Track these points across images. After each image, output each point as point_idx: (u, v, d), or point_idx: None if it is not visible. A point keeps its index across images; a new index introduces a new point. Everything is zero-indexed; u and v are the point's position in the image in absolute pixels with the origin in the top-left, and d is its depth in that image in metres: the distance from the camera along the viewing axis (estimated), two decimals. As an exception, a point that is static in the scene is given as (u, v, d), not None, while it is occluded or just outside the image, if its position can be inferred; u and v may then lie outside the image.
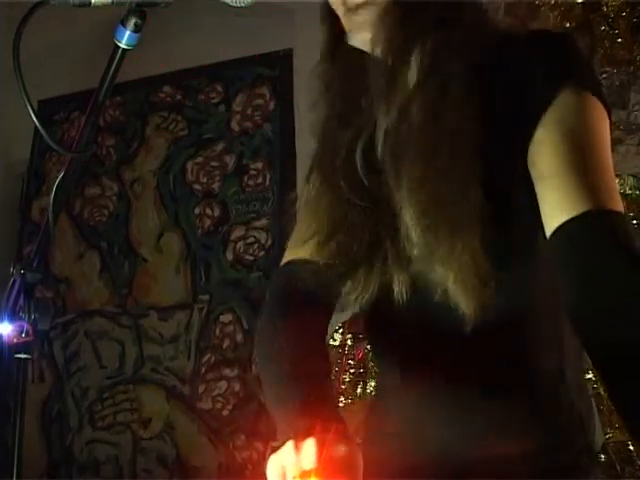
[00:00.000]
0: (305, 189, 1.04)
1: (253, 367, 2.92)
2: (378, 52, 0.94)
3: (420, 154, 0.88)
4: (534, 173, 0.88)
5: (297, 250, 1.08)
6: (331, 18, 0.97)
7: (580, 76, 0.91)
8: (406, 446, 0.98)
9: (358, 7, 0.92)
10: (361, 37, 0.94)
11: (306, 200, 1.04)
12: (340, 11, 0.95)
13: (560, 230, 0.84)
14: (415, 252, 0.90)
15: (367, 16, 0.92)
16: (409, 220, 0.89)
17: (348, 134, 0.97)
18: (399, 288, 0.94)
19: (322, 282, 1.01)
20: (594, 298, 0.82)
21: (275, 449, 0.79)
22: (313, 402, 0.86)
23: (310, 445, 0.76)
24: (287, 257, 1.13)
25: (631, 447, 1.59)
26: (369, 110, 0.96)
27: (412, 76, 0.91)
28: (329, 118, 1.00)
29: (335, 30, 0.97)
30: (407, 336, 0.98)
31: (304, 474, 0.75)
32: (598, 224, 0.83)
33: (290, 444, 0.78)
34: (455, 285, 0.87)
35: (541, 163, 0.87)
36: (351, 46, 0.97)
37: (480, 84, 0.88)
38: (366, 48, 0.96)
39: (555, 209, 0.85)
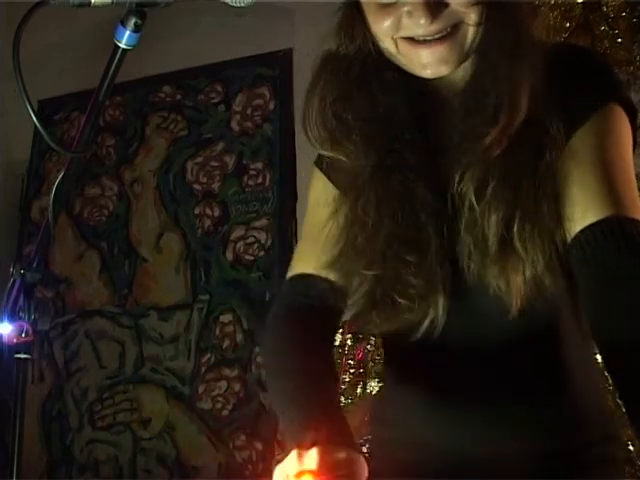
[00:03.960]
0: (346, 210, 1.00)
1: (253, 367, 2.92)
2: (454, 87, 0.97)
3: (505, 177, 0.91)
4: (561, 175, 0.91)
5: (315, 262, 1.04)
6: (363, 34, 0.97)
7: (614, 91, 0.96)
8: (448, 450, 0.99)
9: (432, 43, 0.91)
10: (432, 72, 0.93)
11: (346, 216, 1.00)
12: (403, 46, 0.93)
13: (583, 233, 0.87)
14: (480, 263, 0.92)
15: (443, 52, 0.91)
16: (491, 230, 0.90)
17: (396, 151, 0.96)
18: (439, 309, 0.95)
19: (333, 300, 1.01)
20: (611, 299, 0.84)
21: (279, 461, 0.81)
22: (318, 416, 0.87)
23: (312, 452, 0.78)
24: (302, 268, 1.07)
25: (631, 447, 1.59)
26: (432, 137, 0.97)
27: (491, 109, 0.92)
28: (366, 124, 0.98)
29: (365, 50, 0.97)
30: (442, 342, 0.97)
31: (300, 473, 0.77)
32: (620, 228, 0.86)
33: (294, 453, 0.79)
34: (510, 291, 0.90)
35: (571, 168, 0.91)
36: (389, 66, 0.96)
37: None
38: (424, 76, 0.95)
39: (580, 213, 0.89)
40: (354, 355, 2.13)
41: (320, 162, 1.09)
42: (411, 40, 0.91)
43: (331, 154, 1.00)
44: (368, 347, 2.12)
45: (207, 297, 3.08)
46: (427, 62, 0.92)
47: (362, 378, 2.11)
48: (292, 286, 1.07)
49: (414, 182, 0.95)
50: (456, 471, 0.97)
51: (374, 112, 0.97)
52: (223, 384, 2.96)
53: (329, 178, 1.07)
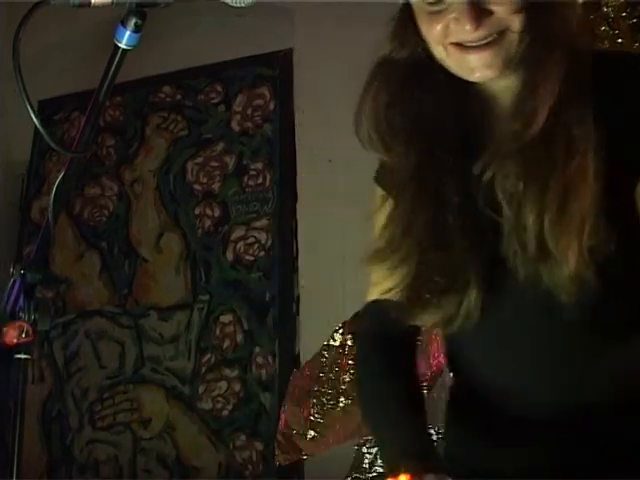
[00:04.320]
0: (391, 209, 1.08)
1: (253, 367, 2.92)
2: (504, 91, 1.01)
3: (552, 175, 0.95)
4: None
5: (385, 281, 1.10)
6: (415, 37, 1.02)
7: None
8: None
9: (478, 48, 0.96)
10: (480, 75, 0.98)
11: (396, 223, 1.06)
12: (452, 51, 0.98)
13: None
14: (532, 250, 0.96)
15: (489, 58, 0.96)
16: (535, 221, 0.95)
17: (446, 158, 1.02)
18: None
19: (408, 320, 1.08)
20: None
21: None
22: (414, 442, 1.04)
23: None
24: (377, 291, 1.15)
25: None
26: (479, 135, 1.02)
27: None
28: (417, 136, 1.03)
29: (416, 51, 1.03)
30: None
31: None
32: None
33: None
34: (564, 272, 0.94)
35: None
36: (438, 70, 1.01)
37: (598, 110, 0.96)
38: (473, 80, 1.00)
39: None
40: (354, 355, 2.13)
41: (376, 176, 1.16)
42: (459, 45, 0.97)
43: (380, 154, 1.08)
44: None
45: (207, 297, 3.08)
46: (474, 66, 0.97)
47: (362, 378, 2.11)
48: (369, 315, 1.20)
49: (447, 184, 1.00)
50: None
51: (420, 114, 1.03)
52: (223, 384, 2.97)
53: (379, 184, 1.14)
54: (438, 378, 2.00)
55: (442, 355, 1.96)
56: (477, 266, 0.99)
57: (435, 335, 1.96)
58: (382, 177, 1.13)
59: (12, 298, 1.08)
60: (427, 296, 1.01)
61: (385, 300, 1.09)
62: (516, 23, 0.94)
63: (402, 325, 1.08)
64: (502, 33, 0.95)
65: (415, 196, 1.02)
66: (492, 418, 1.06)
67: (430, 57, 1.01)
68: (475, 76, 0.98)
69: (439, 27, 0.97)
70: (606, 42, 1.88)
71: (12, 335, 1.07)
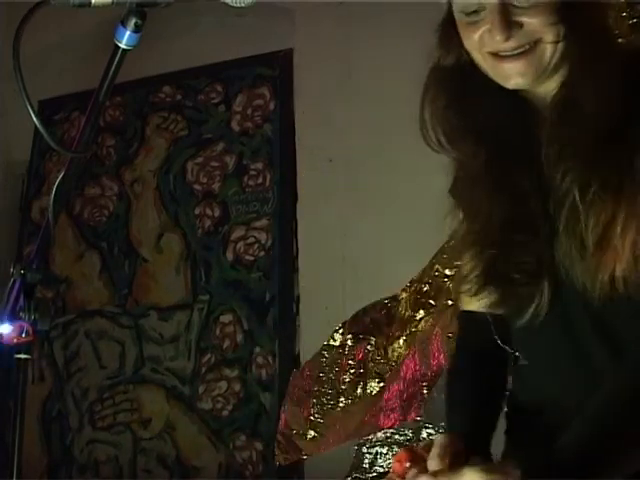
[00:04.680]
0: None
1: (253, 367, 2.92)
2: (549, 98, 1.05)
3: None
4: None
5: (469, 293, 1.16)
6: (459, 48, 1.07)
7: None
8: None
9: (512, 58, 1.01)
10: (515, 82, 1.03)
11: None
12: (488, 59, 1.03)
13: None
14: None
15: (522, 67, 1.01)
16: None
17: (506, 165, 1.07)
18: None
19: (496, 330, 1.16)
20: None
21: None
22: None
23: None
24: (465, 303, 1.24)
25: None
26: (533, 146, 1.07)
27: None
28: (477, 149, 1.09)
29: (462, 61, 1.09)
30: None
31: None
32: None
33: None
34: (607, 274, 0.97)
35: None
36: (483, 74, 1.06)
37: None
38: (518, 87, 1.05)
39: None
40: (354, 355, 2.13)
41: (451, 189, 1.20)
42: (495, 55, 1.02)
43: (449, 154, 1.13)
44: (368, 347, 2.12)
45: (207, 297, 3.08)
46: (508, 74, 1.02)
47: (362, 378, 2.11)
48: (463, 326, 1.28)
49: (520, 175, 1.06)
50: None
51: (480, 115, 1.08)
52: (223, 384, 2.96)
53: (454, 197, 1.18)
54: (438, 378, 2.00)
55: (442, 355, 1.96)
56: (548, 262, 1.03)
57: (435, 335, 1.96)
58: (455, 190, 1.18)
59: (12, 298, 1.09)
60: (514, 275, 1.05)
61: (476, 312, 1.16)
62: (549, 34, 0.99)
63: (493, 339, 1.15)
64: (535, 43, 0.99)
65: (492, 189, 1.07)
66: (548, 423, 1.08)
67: (473, 63, 1.07)
68: (510, 83, 1.03)
69: (476, 37, 1.02)
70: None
71: (12, 335, 1.07)
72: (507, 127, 1.07)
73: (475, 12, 1.01)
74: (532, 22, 0.98)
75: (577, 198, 0.99)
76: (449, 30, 1.08)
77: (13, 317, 1.08)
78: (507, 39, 0.98)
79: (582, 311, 1.03)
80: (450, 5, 1.06)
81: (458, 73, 1.09)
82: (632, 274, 0.95)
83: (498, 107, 1.08)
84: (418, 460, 0.99)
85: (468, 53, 1.07)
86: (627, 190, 0.96)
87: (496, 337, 1.16)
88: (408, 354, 2.02)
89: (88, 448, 3.13)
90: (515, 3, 0.98)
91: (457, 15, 1.05)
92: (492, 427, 1.16)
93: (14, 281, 1.09)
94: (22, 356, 1.08)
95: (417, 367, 2.00)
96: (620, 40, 1.58)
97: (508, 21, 0.98)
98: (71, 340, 3.26)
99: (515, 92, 1.07)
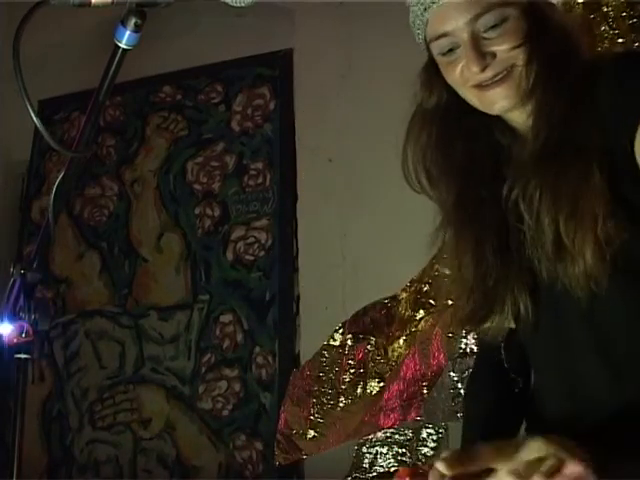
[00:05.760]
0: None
1: (253, 367, 2.92)
2: (522, 121, 1.12)
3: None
4: None
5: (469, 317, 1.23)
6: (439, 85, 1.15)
7: None
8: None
9: (493, 85, 1.08)
10: (497, 108, 1.10)
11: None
12: (472, 91, 1.10)
13: None
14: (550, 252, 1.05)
15: (503, 91, 1.08)
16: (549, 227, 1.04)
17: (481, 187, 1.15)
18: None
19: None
20: None
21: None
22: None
23: None
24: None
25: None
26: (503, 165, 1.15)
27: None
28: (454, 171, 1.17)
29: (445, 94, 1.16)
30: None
31: None
32: None
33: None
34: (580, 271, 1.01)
35: None
36: (462, 106, 1.14)
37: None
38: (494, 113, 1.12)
39: None
40: (354, 355, 2.13)
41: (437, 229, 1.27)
42: (478, 86, 1.09)
43: (428, 194, 1.21)
44: (368, 347, 2.12)
45: (207, 297, 3.08)
46: (492, 100, 1.10)
47: (362, 378, 2.11)
48: (479, 346, 1.39)
49: (484, 209, 1.13)
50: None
51: (456, 152, 1.16)
52: (223, 384, 2.96)
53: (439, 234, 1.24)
54: (438, 378, 2.00)
55: (442, 355, 1.96)
56: (519, 276, 1.11)
57: (435, 335, 1.96)
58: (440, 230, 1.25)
59: (12, 298, 1.09)
60: (490, 298, 1.13)
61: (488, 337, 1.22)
62: (520, 57, 1.06)
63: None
64: (512, 67, 1.07)
65: (459, 224, 1.16)
66: (562, 418, 1.13)
67: (457, 99, 1.14)
68: (495, 107, 1.10)
69: (456, 73, 1.10)
70: (606, 42, 1.88)
71: (12, 335, 1.07)
72: (482, 159, 1.15)
73: (451, 51, 1.09)
74: (503, 49, 1.06)
75: (536, 206, 1.04)
76: (431, 73, 1.16)
77: (13, 317, 1.08)
78: (483, 69, 1.06)
79: (572, 313, 1.07)
80: (430, 50, 1.14)
81: (441, 112, 1.17)
82: (601, 261, 0.99)
83: (478, 140, 1.16)
84: (419, 475, 1.01)
85: (450, 93, 1.14)
86: (568, 191, 1.01)
87: (506, 365, 1.25)
88: (408, 354, 2.03)
89: (88, 448, 3.13)
90: (485, 35, 1.06)
91: (437, 58, 1.13)
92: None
93: (14, 281, 1.09)
94: (22, 356, 1.09)
95: (417, 367, 2.00)
96: (599, 49, 1.71)
97: (481, 53, 1.06)
98: (71, 340, 3.26)
99: (497, 121, 1.14)
